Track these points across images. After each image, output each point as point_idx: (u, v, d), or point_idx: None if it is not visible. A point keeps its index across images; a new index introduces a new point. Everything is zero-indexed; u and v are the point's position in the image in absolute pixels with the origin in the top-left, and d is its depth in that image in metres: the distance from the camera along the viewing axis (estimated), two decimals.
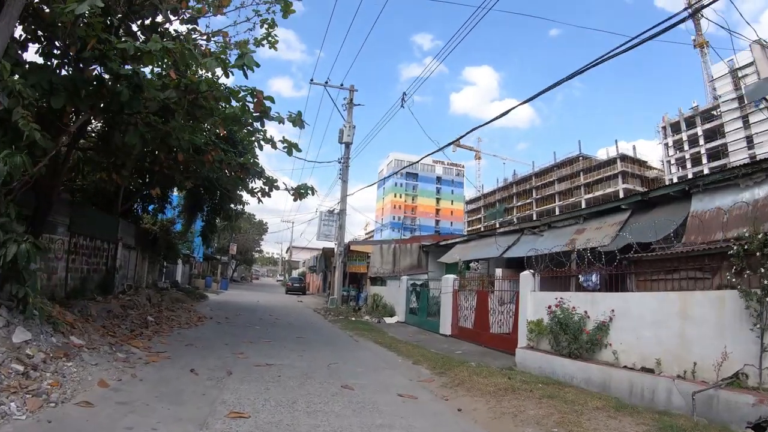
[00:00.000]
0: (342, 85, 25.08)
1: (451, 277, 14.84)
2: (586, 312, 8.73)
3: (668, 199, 10.96)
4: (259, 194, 13.64)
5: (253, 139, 12.13)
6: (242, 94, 9.52)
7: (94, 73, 8.92)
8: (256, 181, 15.46)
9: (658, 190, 11.98)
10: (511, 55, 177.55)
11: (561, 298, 9.33)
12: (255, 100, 9.49)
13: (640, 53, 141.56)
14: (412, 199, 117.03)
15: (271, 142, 10.54)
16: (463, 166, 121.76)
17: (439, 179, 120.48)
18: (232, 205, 20.11)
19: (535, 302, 10.40)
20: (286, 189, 12.38)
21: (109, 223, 16.96)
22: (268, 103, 9.68)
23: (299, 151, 10.52)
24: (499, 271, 15.21)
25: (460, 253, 19.17)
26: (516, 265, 15.87)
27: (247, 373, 7.37)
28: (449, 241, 21.73)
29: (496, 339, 12.08)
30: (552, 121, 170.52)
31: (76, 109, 9.08)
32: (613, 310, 8.17)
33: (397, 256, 23.93)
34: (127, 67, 8.22)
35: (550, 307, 9.37)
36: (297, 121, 9.98)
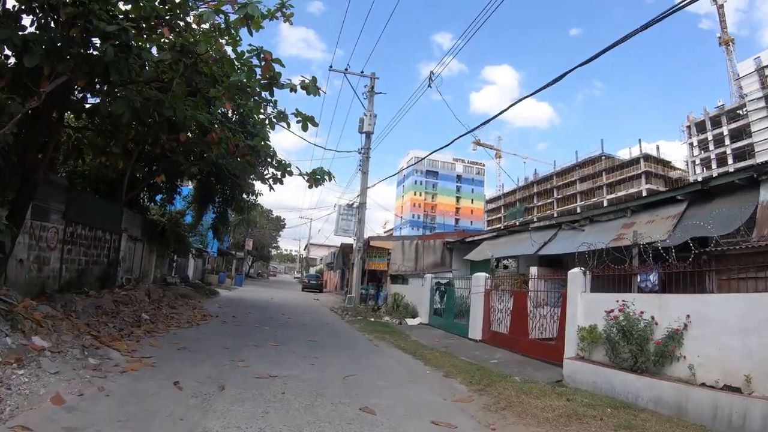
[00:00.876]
0: (362, 72, 23.69)
1: (483, 275, 13.30)
2: (653, 317, 7.20)
3: (731, 189, 9.58)
4: (271, 181, 12.31)
5: (263, 116, 10.78)
6: (247, 55, 8.15)
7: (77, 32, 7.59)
8: (268, 167, 14.20)
9: (720, 178, 10.35)
10: (531, 54, 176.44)
11: (623, 300, 7.75)
12: (263, 63, 8.11)
13: (662, 52, 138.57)
14: (432, 198, 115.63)
15: (284, 117, 9.15)
16: (483, 165, 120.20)
17: (459, 177, 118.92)
18: (245, 196, 18.84)
19: (586, 305, 8.87)
20: (300, 174, 10.96)
21: (111, 212, 15.82)
22: (278, 67, 8.30)
23: (315, 125, 9.11)
24: (533, 270, 13.66)
25: (489, 250, 17.62)
26: (549, 263, 14.28)
27: (244, 387, 5.94)
28: (476, 238, 20.16)
29: (537, 347, 10.51)
30: (572, 121, 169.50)
31: (57, 72, 7.77)
32: (688, 316, 6.67)
33: (419, 253, 22.44)
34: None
35: (611, 311, 7.78)
36: (312, 88, 8.56)
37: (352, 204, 24.54)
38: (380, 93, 23.94)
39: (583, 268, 9.51)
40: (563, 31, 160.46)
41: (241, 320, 13.24)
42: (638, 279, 9.00)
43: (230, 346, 8.80)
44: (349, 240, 25.96)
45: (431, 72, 14.87)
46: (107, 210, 15.55)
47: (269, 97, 8.98)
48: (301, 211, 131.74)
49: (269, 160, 11.57)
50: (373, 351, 10.26)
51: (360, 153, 22.73)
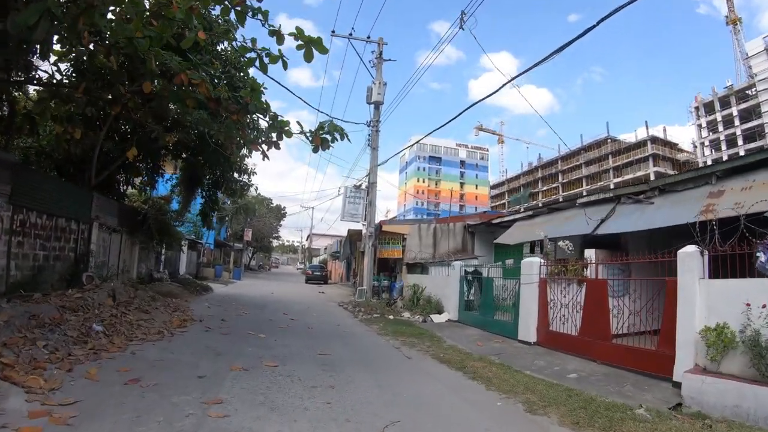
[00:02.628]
0: (369, 37, 20.82)
1: (536, 260, 10.58)
2: None
3: None
4: (265, 147, 9.53)
5: (248, 59, 8.01)
6: None
7: None
8: (261, 133, 11.46)
9: None
10: (529, 40, 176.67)
11: None
12: None
13: (662, 38, 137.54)
14: (436, 184, 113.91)
15: (277, 34, 6.33)
16: (487, 149, 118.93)
17: (462, 163, 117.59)
18: (236, 175, 16.08)
19: (709, 297, 6.28)
20: (302, 133, 8.11)
21: (78, 197, 13.16)
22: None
23: (324, 51, 6.32)
24: (590, 253, 11.01)
25: (521, 233, 14.94)
26: (601, 245, 11.59)
27: None
28: (505, 219, 17.38)
29: (628, 354, 7.83)
30: (571, 108, 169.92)
31: None
32: None
33: (437, 239, 19.72)
34: None
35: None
36: (309, 48, 5.85)
37: (360, 185, 21.76)
38: (389, 60, 21.04)
39: (699, 247, 6.85)
40: (561, 16, 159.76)
41: (231, 325, 10.53)
42: (760, 260, 6.35)
43: (206, 371, 6.08)
44: (357, 226, 23.28)
45: (462, 12, 11.93)
46: (72, 194, 12.89)
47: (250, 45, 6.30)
48: (303, 201, 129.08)
49: (262, 118, 8.82)
50: (409, 369, 7.53)
51: (369, 126, 19.94)
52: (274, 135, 8.67)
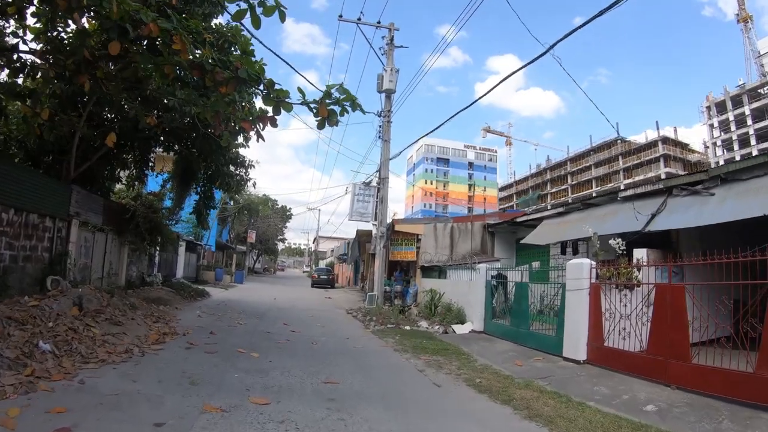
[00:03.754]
0: (379, 22, 19.18)
1: (585, 262, 8.84)
2: None
3: None
4: (260, 124, 7.89)
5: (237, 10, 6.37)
6: None
7: None
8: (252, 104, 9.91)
9: None
10: (534, 43, 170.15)
11: None
12: None
13: (669, 38, 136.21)
14: (444, 186, 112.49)
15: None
16: (495, 151, 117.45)
17: (471, 165, 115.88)
18: (232, 168, 14.44)
19: None
20: (305, 103, 6.37)
21: (53, 189, 11.66)
22: None
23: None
24: (641, 253, 9.35)
25: (553, 232, 13.26)
26: (641, 243, 9.88)
27: None
28: (531, 217, 15.64)
29: (715, 377, 6.11)
30: (578, 110, 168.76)
31: None
32: None
33: (455, 239, 18.02)
34: None
35: None
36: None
37: (370, 182, 20.07)
38: (401, 47, 19.39)
39: None
40: (566, 19, 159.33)
41: (220, 339, 8.85)
42: None
43: (170, 413, 4.41)
44: (367, 226, 21.59)
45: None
46: (46, 187, 11.39)
47: None
48: (309, 203, 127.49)
49: (256, 88, 7.16)
50: (441, 403, 5.78)
51: (380, 116, 18.27)
52: (270, 109, 6.96)
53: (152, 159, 15.62)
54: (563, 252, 13.81)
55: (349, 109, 6.49)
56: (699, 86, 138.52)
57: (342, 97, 6.37)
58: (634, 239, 9.49)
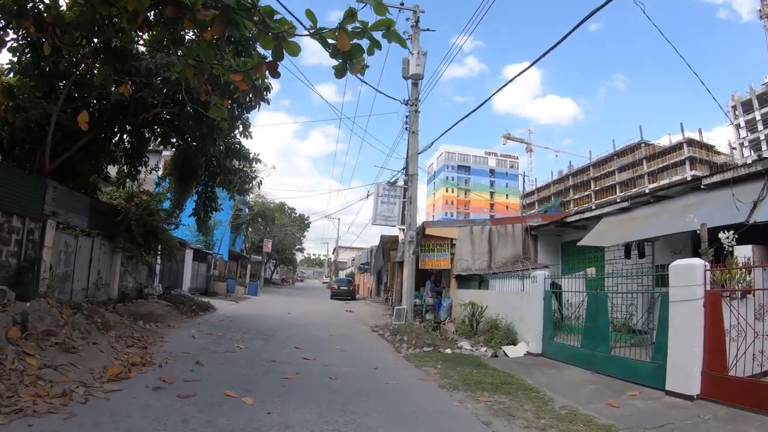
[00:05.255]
0: (402, 4, 17.06)
1: (698, 264, 6.41)
2: None
3: None
4: (257, 80, 5.56)
5: None
6: None
7: None
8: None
9: None
10: (551, 51, 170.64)
11: None
12: None
13: (685, 42, 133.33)
14: (465, 194, 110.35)
15: None
16: (517, 157, 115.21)
17: (492, 172, 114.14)
18: (235, 163, 12.28)
19: None
20: (317, 34, 3.88)
21: (20, 183, 9.76)
22: None
23: None
24: (744, 250, 6.97)
25: (618, 231, 10.92)
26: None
27: None
28: (586, 215, 13.20)
29: None
30: (595, 117, 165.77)
31: None
32: None
33: (493, 244, 15.64)
34: None
35: None
36: None
37: (395, 181, 17.75)
38: (427, 30, 17.20)
39: None
40: (583, 26, 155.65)
41: (205, 373, 6.59)
42: None
43: None
44: (393, 231, 19.29)
45: None
46: (13, 179, 9.52)
47: None
48: (328, 211, 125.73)
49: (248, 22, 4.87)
50: None
51: (406, 104, 16.05)
52: (269, 54, 4.59)
53: (147, 156, 13.60)
54: (627, 255, 11.43)
55: (384, 41, 4.04)
56: (718, 89, 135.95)
57: (373, 23, 3.89)
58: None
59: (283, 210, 41.97)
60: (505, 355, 9.87)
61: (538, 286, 10.06)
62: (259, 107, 9.89)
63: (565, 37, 9.45)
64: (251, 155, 11.85)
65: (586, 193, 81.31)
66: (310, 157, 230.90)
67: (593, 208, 14.29)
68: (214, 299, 21.46)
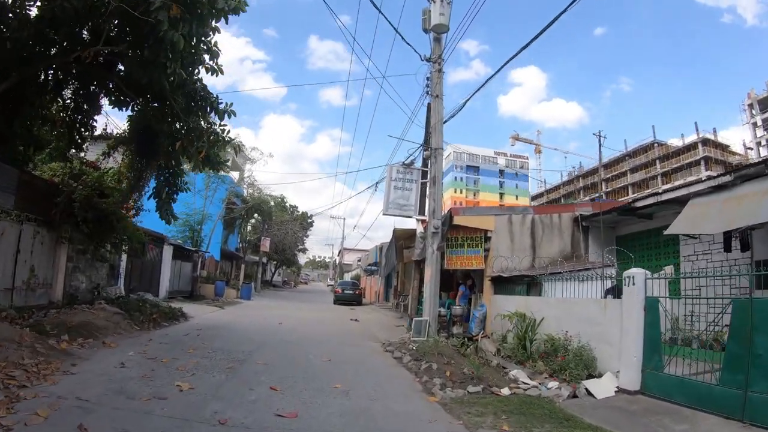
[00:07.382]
0: None
1: None
2: None
3: None
4: None
5: None
6: None
7: None
8: None
9: None
10: (556, 54, 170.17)
11: None
12: None
13: (691, 44, 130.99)
14: (474, 195, 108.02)
15: None
16: (527, 157, 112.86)
17: (501, 172, 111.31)
18: (202, 123, 9.04)
19: None
20: None
21: None
22: None
23: None
24: None
25: (718, 215, 7.79)
26: None
27: None
28: (662, 198, 9.96)
29: None
30: (601, 120, 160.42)
31: None
32: None
33: (537, 238, 12.43)
34: None
35: None
36: None
37: (411, 162, 14.36)
38: None
39: None
40: (588, 30, 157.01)
41: None
42: None
43: None
44: (409, 223, 16.04)
45: None
46: None
47: None
48: (333, 213, 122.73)
49: None
50: None
51: (428, 61, 12.84)
52: None
53: (95, 119, 10.43)
54: (727, 248, 8.35)
55: None
56: (728, 90, 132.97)
57: None
58: None
59: (283, 206, 38.70)
60: (589, 394, 6.62)
61: (635, 293, 6.79)
62: (227, 19, 6.73)
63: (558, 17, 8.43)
64: (221, 105, 8.48)
65: (597, 195, 79.07)
66: (316, 160, 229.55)
67: (661, 192, 11.22)
68: (196, 304, 18.30)
